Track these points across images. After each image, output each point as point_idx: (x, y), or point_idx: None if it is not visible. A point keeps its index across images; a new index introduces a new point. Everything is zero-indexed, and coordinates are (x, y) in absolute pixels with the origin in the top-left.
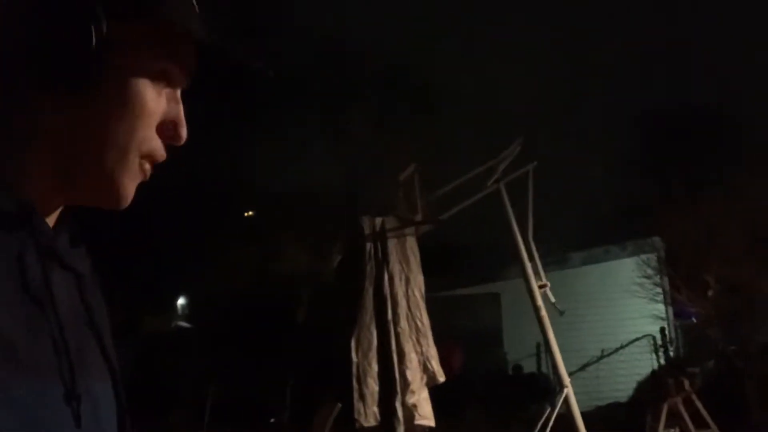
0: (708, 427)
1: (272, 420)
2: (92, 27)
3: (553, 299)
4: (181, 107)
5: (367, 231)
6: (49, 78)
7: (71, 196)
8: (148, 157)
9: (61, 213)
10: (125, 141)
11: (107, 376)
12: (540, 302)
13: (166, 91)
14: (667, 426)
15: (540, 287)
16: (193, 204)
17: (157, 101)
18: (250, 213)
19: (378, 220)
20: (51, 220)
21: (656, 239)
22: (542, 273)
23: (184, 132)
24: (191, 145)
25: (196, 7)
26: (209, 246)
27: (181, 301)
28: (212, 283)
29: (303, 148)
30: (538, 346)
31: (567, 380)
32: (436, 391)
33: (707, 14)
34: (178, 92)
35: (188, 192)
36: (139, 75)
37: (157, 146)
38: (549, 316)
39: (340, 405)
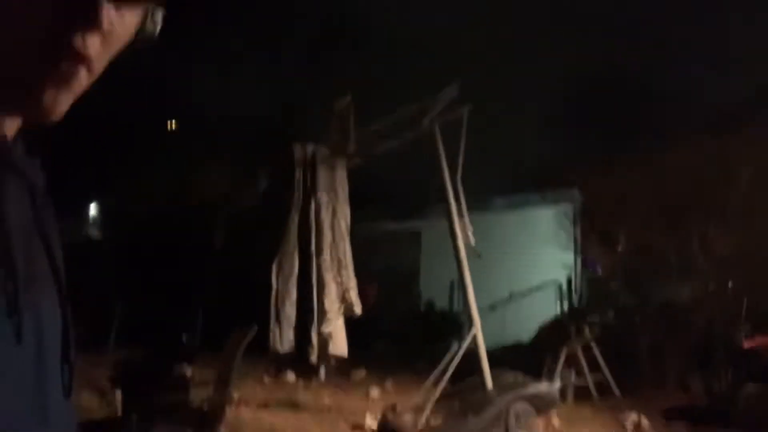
0: (602, 372)
1: (183, 339)
2: None
3: (473, 242)
4: None
5: (297, 157)
6: None
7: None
8: (55, 56)
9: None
10: (13, 39)
11: (55, 292)
12: (461, 243)
13: None
14: (565, 368)
15: (462, 229)
16: (112, 108)
17: None
18: (173, 123)
19: (309, 148)
20: (9, 132)
21: (575, 191)
22: (466, 215)
23: (98, 15)
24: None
25: None
26: (127, 155)
27: (92, 210)
28: (128, 194)
29: (235, 68)
30: (451, 284)
31: (477, 321)
32: (350, 324)
33: None
34: None
35: (108, 95)
36: None
37: (57, 40)
38: (467, 258)
39: (256, 327)
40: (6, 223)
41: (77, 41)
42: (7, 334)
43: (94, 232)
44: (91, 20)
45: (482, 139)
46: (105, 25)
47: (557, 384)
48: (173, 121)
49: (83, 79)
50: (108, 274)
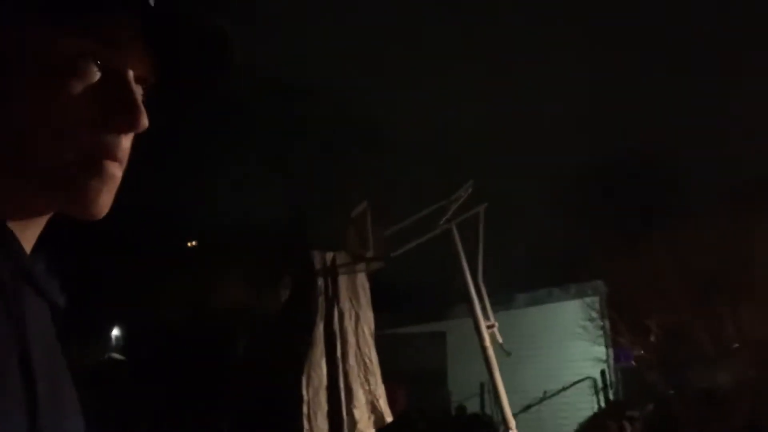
0: None
1: None
2: None
3: (500, 340)
4: (129, 90)
5: (318, 266)
6: None
7: (33, 203)
8: (93, 154)
9: (38, 242)
10: (46, 137)
11: (79, 411)
12: (488, 342)
13: (100, 74)
14: None
15: (488, 327)
16: (132, 231)
17: (75, 87)
18: (193, 243)
19: (329, 256)
20: (27, 246)
21: (599, 282)
22: (490, 313)
23: (138, 118)
24: (134, 169)
25: None
26: (147, 275)
27: (115, 331)
28: (149, 314)
29: (252, 180)
30: (482, 386)
31: (512, 422)
32: (380, 431)
33: (653, 69)
34: (126, 74)
35: (127, 218)
36: (43, 58)
37: (95, 139)
38: (495, 357)
39: None
40: (27, 343)
41: (109, 147)
42: None
43: (118, 353)
44: (132, 124)
45: (502, 235)
46: (143, 127)
47: None
48: (191, 238)
49: (119, 177)
50: (132, 393)
